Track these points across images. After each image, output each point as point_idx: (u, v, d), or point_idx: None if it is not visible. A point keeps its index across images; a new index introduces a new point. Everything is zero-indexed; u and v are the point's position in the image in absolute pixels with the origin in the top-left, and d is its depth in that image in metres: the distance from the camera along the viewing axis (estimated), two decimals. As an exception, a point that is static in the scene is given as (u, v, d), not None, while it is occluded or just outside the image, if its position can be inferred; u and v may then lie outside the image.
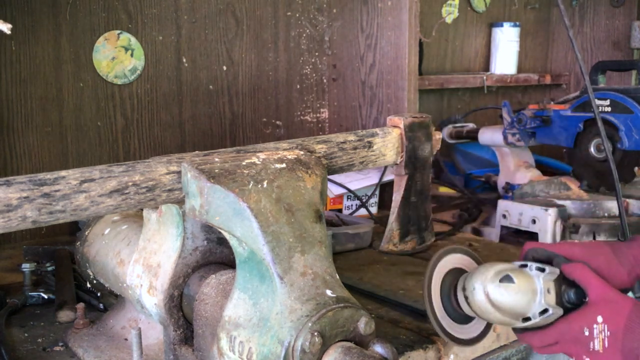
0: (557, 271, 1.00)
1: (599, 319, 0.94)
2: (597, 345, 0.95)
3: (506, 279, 0.98)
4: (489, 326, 1.09)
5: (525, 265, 1.01)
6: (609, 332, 0.93)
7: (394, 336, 1.18)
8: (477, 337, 1.09)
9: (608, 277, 1.01)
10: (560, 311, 0.98)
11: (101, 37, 1.89)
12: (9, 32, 0.90)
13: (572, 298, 0.99)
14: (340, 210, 2.03)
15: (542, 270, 0.99)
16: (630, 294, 1.12)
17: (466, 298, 1.01)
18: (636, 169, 1.88)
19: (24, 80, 1.79)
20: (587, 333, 0.95)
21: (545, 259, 1.04)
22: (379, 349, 0.82)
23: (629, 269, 1.03)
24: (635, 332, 0.92)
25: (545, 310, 0.98)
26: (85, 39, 1.87)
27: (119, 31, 1.92)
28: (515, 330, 1.04)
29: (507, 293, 0.98)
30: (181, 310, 1.00)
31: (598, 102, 1.79)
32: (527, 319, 0.99)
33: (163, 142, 2.04)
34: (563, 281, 1.00)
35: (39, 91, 1.81)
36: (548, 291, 0.99)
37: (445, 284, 1.05)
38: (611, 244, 1.07)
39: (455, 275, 1.05)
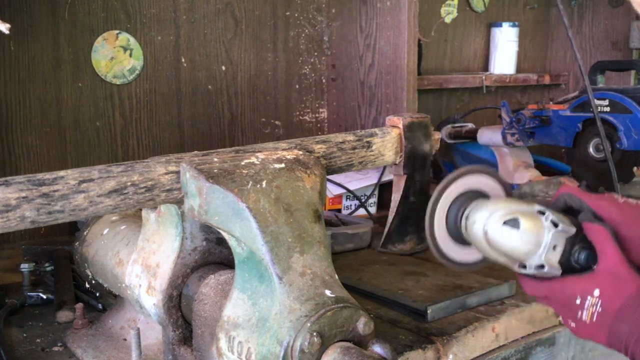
0: (573, 230, 0.92)
1: (596, 292, 0.88)
2: (585, 315, 0.89)
3: (512, 222, 0.91)
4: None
5: (544, 213, 0.93)
6: (600, 308, 0.88)
7: (393, 336, 1.18)
8: (474, 262, 1.01)
9: (636, 250, 0.92)
10: (558, 272, 0.92)
11: (100, 37, 1.89)
12: (7, 32, 0.90)
13: (581, 260, 0.92)
14: (339, 211, 2.03)
15: (556, 225, 0.92)
16: None
17: (465, 227, 0.96)
18: (635, 169, 1.88)
19: (23, 80, 1.78)
20: (578, 302, 0.90)
21: (576, 209, 0.96)
22: (378, 349, 0.82)
23: None
24: (627, 317, 0.86)
25: (541, 266, 0.92)
26: (84, 38, 1.87)
27: (117, 31, 1.92)
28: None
29: (507, 237, 0.91)
30: (180, 311, 1.00)
31: (597, 102, 1.79)
32: (523, 266, 0.93)
33: (162, 142, 2.04)
34: (581, 240, 0.93)
35: (37, 91, 1.81)
36: (554, 248, 0.92)
37: (457, 203, 0.98)
38: None
39: (473, 197, 0.98)
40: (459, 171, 0.99)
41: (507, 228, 0.92)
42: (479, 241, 0.94)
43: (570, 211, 0.97)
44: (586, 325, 0.90)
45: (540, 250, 0.92)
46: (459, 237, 0.99)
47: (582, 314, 0.90)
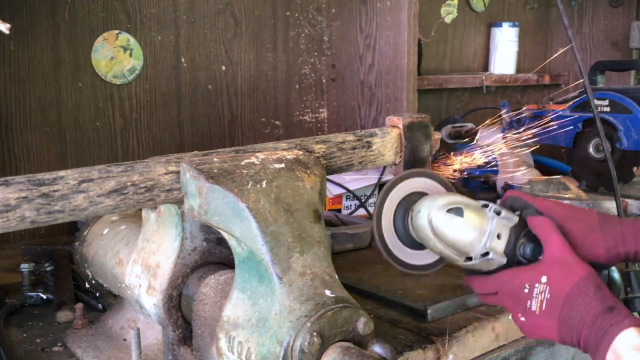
0: (515, 219, 0.93)
1: (543, 279, 0.88)
2: (534, 305, 0.88)
3: (455, 211, 0.93)
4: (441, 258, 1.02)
5: (487, 206, 0.94)
6: (549, 295, 0.87)
7: (393, 336, 1.18)
8: (427, 265, 1.02)
9: (581, 245, 0.93)
10: (503, 259, 0.92)
11: (100, 37, 1.89)
12: (7, 31, 0.90)
13: (527, 253, 0.93)
14: (339, 210, 2.03)
15: (499, 213, 0.93)
16: None
17: (411, 219, 0.96)
18: (635, 169, 1.88)
19: (23, 80, 1.78)
20: (526, 290, 0.89)
21: (521, 208, 0.97)
22: (378, 349, 0.82)
23: (610, 245, 0.94)
24: (576, 302, 0.85)
25: (486, 253, 0.92)
26: (84, 38, 1.87)
27: (117, 31, 1.92)
28: (464, 270, 0.99)
29: (451, 225, 0.92)
30: (180, 311, 1.00)
31: (597, 102, 1.79)
32: (469, 258, 0.94)
33: (162, 142, 2.04)
34: (526, 234, 0.93)
35: (37, 91, 1.81)
36: (498, 236, 0.92)
37: (403, 205, 0.99)
38: (603, 215, 0.97)
39: (417, 199, 0.99)
40: (400, 175, 1.01)
41: (451, 216, 0.92)
42: (425, 231, 0.94)
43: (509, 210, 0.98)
44: (536, 317, 0.88)
45: (485, 238, 0.92)
46: (410, 240, 0.99)
47: (531, 303, 0.89)
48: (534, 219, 0.94)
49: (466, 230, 0.92)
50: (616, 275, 1.00)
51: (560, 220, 0.95)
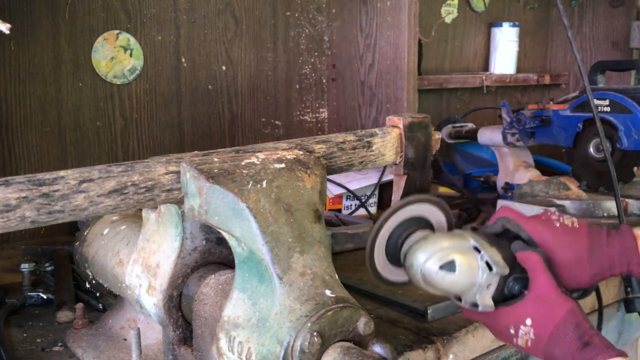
0: (506, 271, 0.95)
1: (528, 321, 0.92)
2: (520, 342, 0.94)
3: (448, 266, 0.94)
4: None
5: (479, 251, 0.95)
6: (533, 336, 0.92)
7: (393, 336, 1.18)
8: (407, 282, 1.04)
9: (567, 276, 0.96)
10: (490, 309, 0.96)
11: (100, 37, 1.89)
12: (7, 32, 0.90)
13: (514, 290, 0.96)
14: (339, 211, 2.03)
15: (491, 268, 0.95)
16: None
17: (404, 265, 0.98)
18: (635, 169, 1.88)
19: (23, 80, 1.78)
20: (512, 331, 0.94)
21: (513, 235, 0.99)
22: (378, 349, 0.82)
23: (596, 272, 0.97)
24: (557, 341, 0.90)
25: (475, 305, 0.96)
26: (84, 38, 1.87)
27: (118, 31, 1.92)
28: None
29: (443, 281, 0.95)
30: (180, 311, 1.00)
31: (597, 102, 1.79)
32: (459, 298, 0.98)
33: (162, 142, 2.04)
34: (514, 270, 0.96)
35: (37, 91, 1.81)
36: (487, 287, 0.95)
37: (400, 229, 1.00)
38: (592, 236, 0.97)
39: (417, 224, 1.01)
40: (405, 200, 1.02)
41: (443, 272, 0.95)
42: (418, 282, 0.98)
43: (506, 233, 1.00)
44: (522, 348, 0.95)
45: (475, 289, 0.96)
46: (396, 259, 1.01)
47: (517, 341, 0.94)
48: (524, 255, 0.96)
49: (457, 284, 0.95)
50: None
51: (551, 249, 0.97)
